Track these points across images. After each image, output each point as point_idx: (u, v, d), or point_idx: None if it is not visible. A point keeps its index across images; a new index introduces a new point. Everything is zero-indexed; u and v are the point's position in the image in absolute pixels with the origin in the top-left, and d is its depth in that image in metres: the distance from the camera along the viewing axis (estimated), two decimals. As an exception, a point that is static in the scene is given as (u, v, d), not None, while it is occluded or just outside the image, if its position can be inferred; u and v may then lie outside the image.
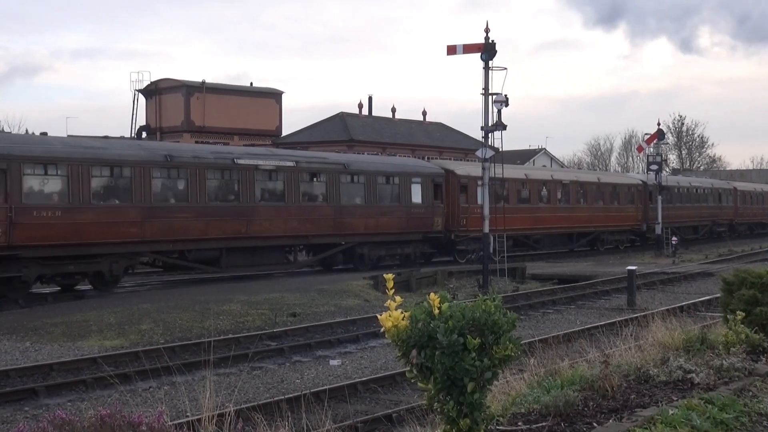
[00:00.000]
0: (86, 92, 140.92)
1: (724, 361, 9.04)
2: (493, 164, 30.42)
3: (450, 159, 49.46)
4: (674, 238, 46.35)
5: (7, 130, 77.18)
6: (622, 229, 47.95)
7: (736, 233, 64.10)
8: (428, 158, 47.04)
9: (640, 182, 52.08)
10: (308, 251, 33.99)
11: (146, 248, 27.38)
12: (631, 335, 11.57)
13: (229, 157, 30.17)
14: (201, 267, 29.55)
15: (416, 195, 35.98)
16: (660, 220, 47.82)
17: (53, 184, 25.20)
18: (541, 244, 43.95)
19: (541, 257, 43.01)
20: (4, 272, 23.84)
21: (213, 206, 28.88)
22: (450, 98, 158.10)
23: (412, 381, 5.87)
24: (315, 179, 32.65)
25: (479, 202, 34.76)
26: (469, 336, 5.49)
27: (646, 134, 51.76)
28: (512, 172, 39.03)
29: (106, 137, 36.28)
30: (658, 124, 51.14)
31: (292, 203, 31.23)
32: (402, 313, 5.75)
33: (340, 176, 33.18)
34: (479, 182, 34.01)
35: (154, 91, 53.58)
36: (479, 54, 29.24)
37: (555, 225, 43.74)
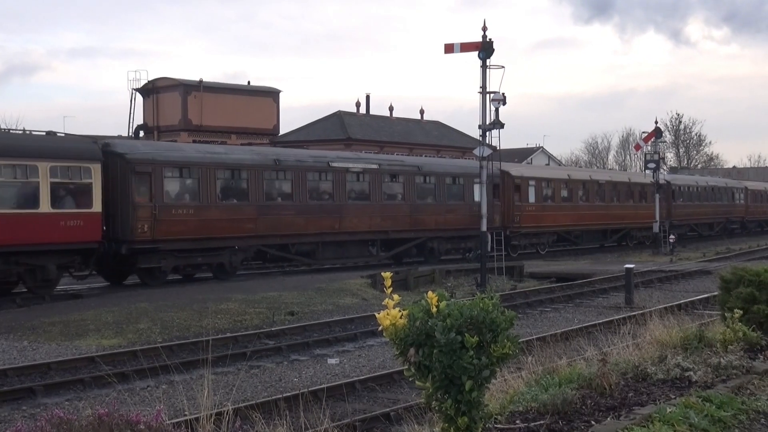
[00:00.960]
0: (83, 91, 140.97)
1: (721, 359, 9.05)
2: (528, 162, 31.00)
3: (447, 157, 50.11)
4: (672, 237, 46.43)
5: (5, 128, 77.10)
6: (648, 226, 49.96)
7: (747, 230, 67.89)
8: (425, 155, 47.80)
9: (665, 182, 54.26)
10: (384, 246, 36.10)
11: (259, 242, 30.63)
12: (629, 333, 11.58)
13: (325, 161, 33.60)
14: (300, 259, 32.78)
15: (478, 194, 36.95)
16: (657, 218, 47.88)
17: (187, 186, 28.98)
18: (581, 240, 47.25)
19: (540, 256, 43.15)
20: (148, 263, 27.40)
21: (312, 204, 32.19)
22: (447, 97, 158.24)
23: (410, 379, 5.87)
24: (394, 180, 35.87)
25: (531, 200, 40.80)
26: (467, 334, 5.49)
27: (643, 132, 51.83)
28: (556, 172, 44.77)
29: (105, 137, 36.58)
30: (656, 122, 51.26)
31: (375, 202, 34.51)
32: (400, 311, 5.75)
33: (414, 177, 36.44)
34: (531, 182, 40.32)
35: (151, 90, 53.52)
36: (477, 52, 29.22)
37: (593, 222, 46.64)
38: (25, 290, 25.23)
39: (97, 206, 25.63)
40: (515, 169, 42.80)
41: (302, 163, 32.36)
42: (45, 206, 24.42)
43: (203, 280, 29.82)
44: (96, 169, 25.74)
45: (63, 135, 26.92)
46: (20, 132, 27.62)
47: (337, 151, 40.78)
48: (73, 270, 26.14)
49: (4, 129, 38.27)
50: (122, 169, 26.77)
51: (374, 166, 34.91)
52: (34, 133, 26.13)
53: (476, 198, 37.21)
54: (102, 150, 26.47)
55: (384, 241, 35.43)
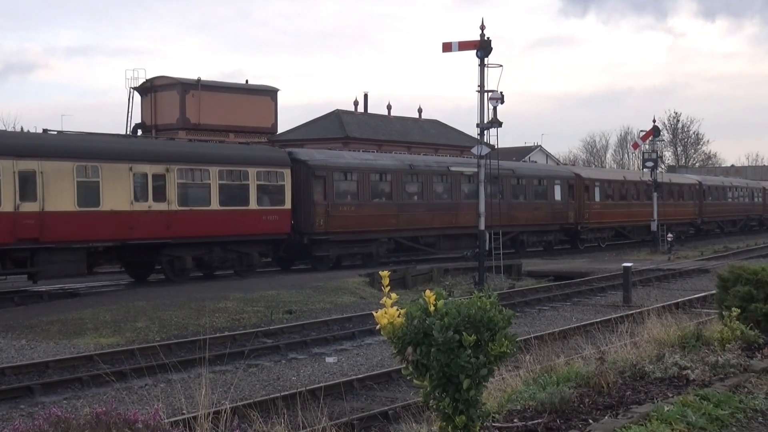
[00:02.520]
0: (81, 89, 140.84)
1: (719, 358, 9.06)
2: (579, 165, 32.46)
3: (445, 155, 50.32)
4: (670, 235, 46.53)
5: (2, 127, 77.04)
6: (683, 222, 56.29)
7: (765, 227, 72.23)
8: (424, 153, 48.10)
9: (697, 182, 60.04)
10: (471, 239, 39.89)
11: (398, 235, 35.87)
12: (627, 332, 11.59)
13: (445, 166, 39.45)
14: (427, 249, 37.71)
15: (557, 194, 44.71)
16: (656, 216, 47.98)
17: (349, 187, 34.32)
18: (633, 234, 52.29)
19: (538, 254, 43.24)
20: (321, 252, 32.70)
21: (436, 203, 37.68)
22: (445, 95, 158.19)
23: (408, 378, 5.88)
24: (496, 182, 39.45)
25: (596, 199, 46.36)
26: (464, 333, 5.49)
27: (641, 131, 51.86)
28: (614, 174, 52.29)
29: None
30: (654, 121, 51.22)
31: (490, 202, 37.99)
32: (398, 310, 5.76)
33: (510, 179, 41.84)
34: (596, 183, 46.31)
35: (149, 89, 53.48)
36: (474, 51, 29.21)
37: (643, 219, 50.85)
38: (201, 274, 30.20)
39: (288, 204, 31.44)
40: (585, 172, 49.39)
41: (429, 168, 38.11)
42: (253, 204, 30.36)
43: (199, 279, 29.83)
44: (287, 173, 31.51)
45: (261, 145, 34.96)
46: (236, 143, 34.85)
47: (454, 158, 45.94)
48: (265, 257, 31.96)
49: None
50: (305, 174, 32.32)
51: (476, 171, 36.88)
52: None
53: (556, 198, 44.47)
54: (290, 157, 32.24)
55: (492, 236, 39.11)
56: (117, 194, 26.65)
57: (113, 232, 26.54)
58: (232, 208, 29.50)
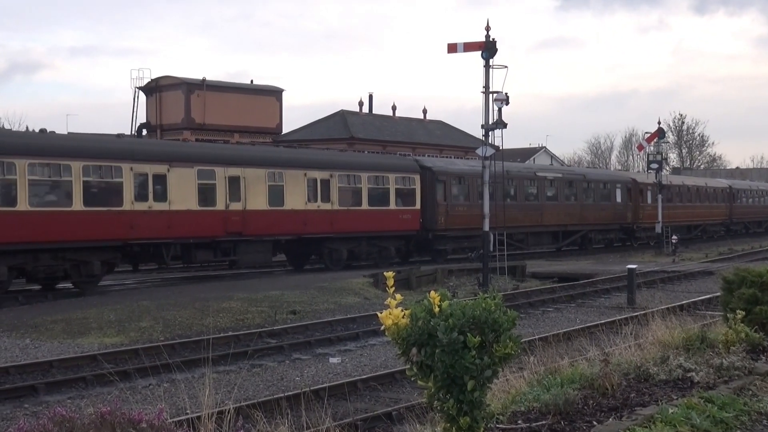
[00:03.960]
0: (85, 89, 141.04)
1: (724, 360, 9.04)
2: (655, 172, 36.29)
3: (449, 157, 50.91)
4: (674, 237, 46.52)
5: (7, 126, 77.17)
6: (716, 222, 62.37)
7: None
8: (428, 155, 48.42)
9: (727, 186, 65.64)
10: (563, 236, 46.05)
11: (499, 231, 37.83)
12: (631, 334, 11.57)
13: (533, 171, 46.00)
14: (519, 245, 41.69)
15: (618, 197, 50.08)
16: (660, 218, 47.95)
17: (461, 190, 39.58)
18: (678, 233, 54.48)
19: (540, 255, 43.27)
20: (440, 246, 37.85)
21: (526, 204, 42.65)
22: (450, 96, 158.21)
23: (412, 379, 5.87)
24: (570, 186, 46.12)
25: (649, 201, 51.87)
26: (469, 334, 5.49)
27: (646, 133, 51.87)
28: (675, 179, 58.83)
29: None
30: (659, 123, 51.16)
31: (560, 202, 45.21)
32: (402, 311, 5.75)
33: (581, 183, 47.16)
34: (648, 187, 52.02)
35: (154, 89, 53.50)
36: (480, 52, 29.18)
37: (686, 219, 57.45)
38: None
39: (418, 205, 36.75)
40: (640, 177, 55.55)
41: (520, 173, 43.60)
42: (392, 205, 35.82)
43: (203, 279, 29.84)
44: (417, 178, 37.03)
45: (400, 154, 40.50)
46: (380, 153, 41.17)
47: (539, 164, 52.45)
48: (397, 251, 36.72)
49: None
50: (430, 179, 37.54)
51: (559, 175, 46.49)
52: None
53: (617, 200, 49.86)
54: (418, 164, 37.81)
55: (563, 232, 45.70)
56: (295, 196, 31.93)
57: (292, 228, 31.89)
58: (377, 208, 35.10)
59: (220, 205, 29.29)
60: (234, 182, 29.75)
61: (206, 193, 29.10)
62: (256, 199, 30.37)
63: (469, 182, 39.21)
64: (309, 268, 34.74)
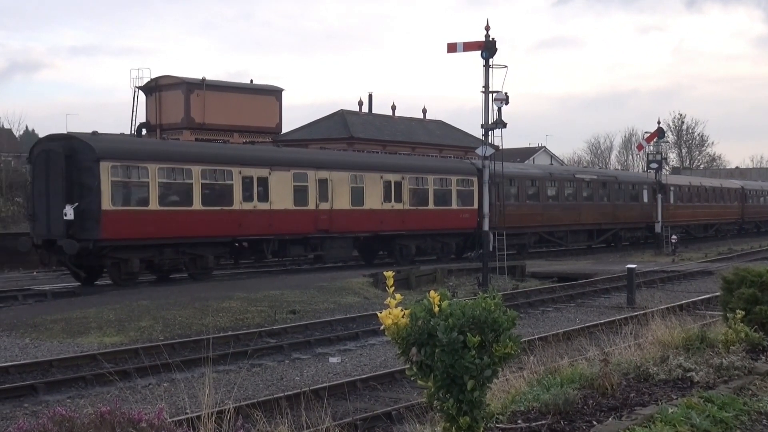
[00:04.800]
0: (85, 89, 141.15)
1: (723, 360, 9.04)
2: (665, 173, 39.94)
3: (450, 157, 51.92)
4: (674, 237, 46.56)
5: (7, 126, 76.93)
6: (729, 222, 65.52)
7: None
8: (428, 155, 48.76)
9: (740, 187, 68.77)
10: (597, 234, 49.17)
11: (541, 229, 43.86)
12: (631, 333, 11.56)
13: (572, 173, 49.39)
14: (558, 241, 45.71)
15: (645, 197, 52.84)
16: (660, 218, 47.96)
17: (513, 191, 42.26)
18: (696, 231, 60.79)
19: (541, 255, 43.33)
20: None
21: (566, 204, 45.73)
22: (449, 96, 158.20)
23: (412, 379, 5.87)
24: (604, 187, 49.10)
25: (672, 201, 54.80)
26: (469, 334, 5.49)
27: (646, 132, 51.85)
28: (684, 179, 61.86)
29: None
30: (659, 123, 51.16)
31: (595, 202, 48.23)
32: (402, 310, 5.75)
33: (614, 185, 50.28)
34: (671, 188, 55.31)
35: (154, 88, 53.49)
36: (479, 52, 29.19)
37: (703, 218, 60.84)
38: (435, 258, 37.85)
39: (475, 205, 38.51)
40: (664, 178, 56.40)
41: (561, 175, 47.19)
42: (454, 205, 38.79)
43: (203, 279, 29.83)
44: (475, 180, 38.75)
45: (453, 158, 45.10)
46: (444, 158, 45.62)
47: (576, 167, 55.96)
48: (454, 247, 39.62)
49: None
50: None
51: (595, 177, 49.79)
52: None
53: (644, 200, 52.57)
54: (475, 167, 39.15)
55: (597, 230, 48.67)
56: (373, 197, 35.07)
57: (370, 226, 34.97)
58: (441, 207, 37.96)
59: (311, 205, 32.45)
60: (323, 184, 32.90)
61: (300, 194, 32.16)
62: (341, 200, 33.59)
63: (519, 184, 42.82)
64: (308, 268, 34.78)
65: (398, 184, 36.11)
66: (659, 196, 48.85)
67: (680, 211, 56.89)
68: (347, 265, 34.46)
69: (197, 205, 28.84)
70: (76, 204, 26.16)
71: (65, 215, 26.06)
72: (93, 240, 26.25)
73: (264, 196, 30.87)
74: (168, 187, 28.46)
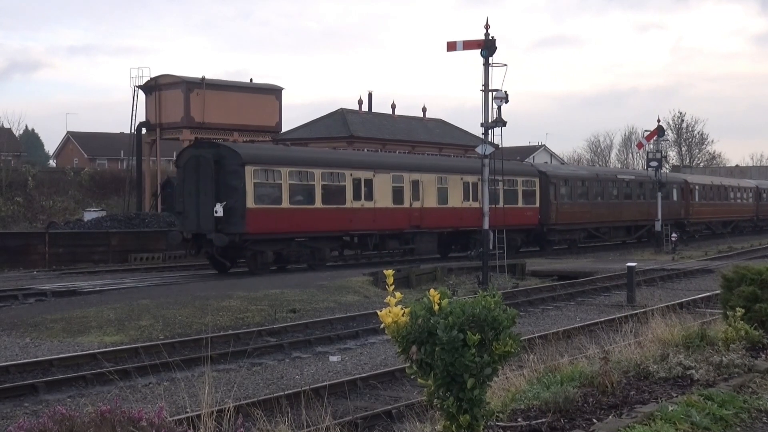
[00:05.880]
0: (84, 88, 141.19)
1: (723, 358, 9.04)
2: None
3: (451, 155, 51.99)
4: (674, 235, 46.61)
5: (7, 126, 76.98)
6: (745, 219, 69.19)
7: None
8: (428, 153, 48.98)
9: (755, 186, 72.39)
10: (634, 230, 52.81)
11: (590, 225, 47.95)
12: (631, 332, 11.57)
13: (614, 174, 54.75)
14: (602, 236, 49.49)
15: (675, 195, 56.94)
16: (660, 216, 47.97)
17: (565, 191, 46.58)
18: (716, 228, 64.12)
19: (541, 254, 43.37)
20: (553, 237, 45.46)
21: (609, 203, 49.63)
22: (449, 95, 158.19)
23: (412, 377, 5.88)
24: (641, 186, 52.60)
25: (696, 199, 59.61)
26: (469, 332, 5.49)
27: (645, 131, 51.80)
28: (706, 179, 65.90)
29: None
30: (658, 121, 51.15)
31: (634, 201, 52.18)
32: (402, 309, 5.75)
33: (648, 184, 52.07)
34: (696, 187, 60.03)
35: (153, 87, 53.46)
36: (479, 50, 29.18)
37: (723, 215, 64.58)
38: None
39: (537, 203, 43.75)
40: (690, 177, 63.39)
41: (605, 176, 51.75)
42: (520, 203, 42.51)
43: (203, 278, 29.85)
44: (537, 181, 44.02)
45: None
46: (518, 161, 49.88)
47: (615, 168, 59.57)
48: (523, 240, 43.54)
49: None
50: (544, 181, 44.58)
51: (632, 177, 54.12)
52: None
53: (674, 198, 56.56)
54: (536, 170, 45.44)
55: (635, 226, 52.24)
56: (454, 196, 39.23)
57: (453, 222, 39.08)
58: (510, 206, 40.28)
59: (406, 204, 36.43)
60: (415, 185, 36.81)
61: (397, 194, 36.06)
62: (430, 199, 37.62)
63: (572, 184, 47.15)
64: (308, 268, 34.83)
65: (474, 185, 39.08)
66: (658, 194, 48.86)
67: (704, 209, 61.02)
68: (347, 264, 34.54)
69: (318, 203, 33.12)
70: (224, 203, 30.14)
71: (215, 212, 30.10)
72: (239, 234, 30.33)
73: (369, 196, 35.06)
74: (296, 188, 32.48)
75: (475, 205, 38.92)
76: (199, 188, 30.97)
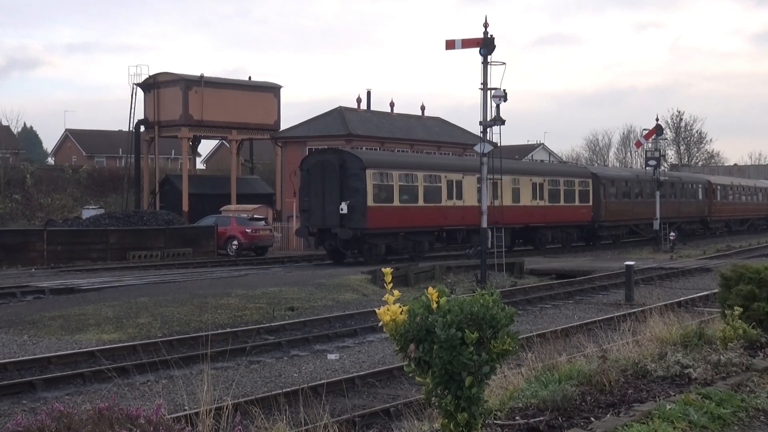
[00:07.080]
0: (82, 86, 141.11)
1: (721, 357, 9.04)
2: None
3: (447, 154, 52.92)
4: (672, 234, 46.64)
5: (5, 123, 76.91)
6: (760, 218, 72.82)
7: None
8: (426, 152, 48.95)
9: (766, 186, 75.86)
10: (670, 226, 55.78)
11: (631, 223, 52.57)
12: (629, 330, 11.58)
13: (650, 175, 55.35)
14: (641, 233, 53.13)
15: (699, 195, 60.52)
16: (658, 215, 48.00)
17: (612, 191, 51.06)
18: (735, 225, 67.58)
19: (539, 252, 43.37)
20: (602, 233, 50.30)
21: (647, 201, 51.73)
22: (448, 93, 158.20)
23: (410, 375, 5.88)
24: (672, 186, 56.37)
25: (719, 199, 63.46)
26: (467, 330, 5.49)
27: (644, 129, 51.79)
28: (726, 179, 69.83)
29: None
30: (657, 120, 51.18)
31: (667, 199, 53.51)
32: (400, 307, 5.75)
33: (679, 184, 57.58)
34: (719, 186, 64.20)
35: (152, 85, 53.44)
36: (478, 49, 29.16)
37: (741, 214, 69.05)
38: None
39: (590, 202, 47.99)
40: (713, 179, 66.91)
41: (642, 177, 53.43)
42: (576, 202, 47.19)
43: (201, 276, 29.82)
44: (590, 182, 48.28)
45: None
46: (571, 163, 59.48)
47: (639, 170, 61.12)
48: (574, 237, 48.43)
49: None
50: (596, 182, 48.82)
51: (666, 178, 54.88)
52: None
53: (699, 197, 60.73)
54: (589, 171, 50.16)
55: (670, 223, 53.43)
56: (525, 195, 43.42)
57: (524, 219, 42.90)
58: (568, 204, 46.21)
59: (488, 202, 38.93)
60: (495, 186, 37.83)
61: (480, 194, 36.57)
62: (506, 197, 40.62)
63: (617, 184, 51.95)
64: (307, 265, 34.79)
65: (541, 185, 44.53)
66: (657, 192, 48.91)
67: (725, 208, 65.08)
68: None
69: (421, 202, 37.80)
70: (348, 201, 34.23)
71: (341, 210, 34.39)
72: (360, 229, 34.60)
73: (459, 195, 39.44)
74: (404, 188, 37.11)
75: (542, 203, 44.41)
76: (324, 189, 35.07)
